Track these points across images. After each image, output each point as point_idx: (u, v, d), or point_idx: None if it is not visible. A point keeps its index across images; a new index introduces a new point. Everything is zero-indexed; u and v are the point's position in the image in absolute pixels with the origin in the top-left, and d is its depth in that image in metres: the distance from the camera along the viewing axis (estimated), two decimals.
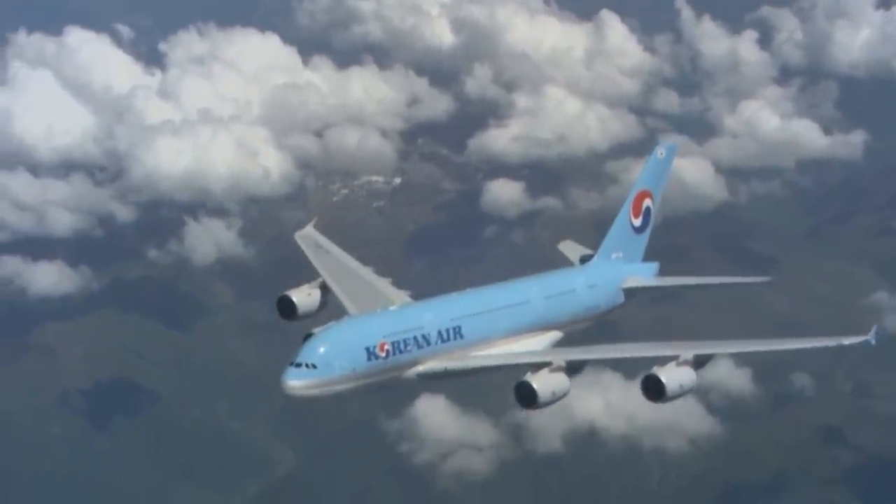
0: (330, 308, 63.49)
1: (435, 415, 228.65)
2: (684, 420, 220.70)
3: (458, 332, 59.23)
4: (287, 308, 65.66)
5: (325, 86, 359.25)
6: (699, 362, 56.98)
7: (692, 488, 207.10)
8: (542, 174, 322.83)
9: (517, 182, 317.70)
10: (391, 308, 60.87)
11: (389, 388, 58.01)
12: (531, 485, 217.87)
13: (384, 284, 67.42)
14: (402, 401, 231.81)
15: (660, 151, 67.59)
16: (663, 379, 55.92)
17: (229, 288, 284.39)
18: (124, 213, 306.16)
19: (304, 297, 65.44)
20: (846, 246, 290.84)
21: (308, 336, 60.52)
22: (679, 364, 56.63)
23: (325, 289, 65.97)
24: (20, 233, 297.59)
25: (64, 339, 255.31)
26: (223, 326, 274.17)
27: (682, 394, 56.60)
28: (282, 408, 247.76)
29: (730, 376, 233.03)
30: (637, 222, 67.82)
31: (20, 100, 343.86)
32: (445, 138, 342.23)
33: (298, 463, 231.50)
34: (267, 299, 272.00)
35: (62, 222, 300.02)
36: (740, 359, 59.48)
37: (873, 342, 55.08)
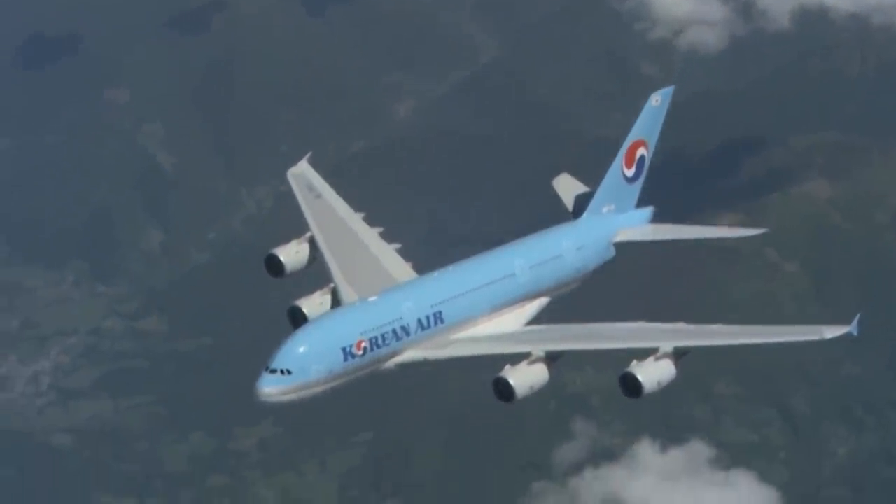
0: (320, 263, 63.41)
1: None
2: None
3: (438, 317, 58.22)
4: (275, 266, 63.90)
5: None
6: (679, 354, 56.48)
7: None
8: None
9: None
10: (369, 299, 58.63)
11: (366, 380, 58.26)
12: (762, 61, 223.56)
13: (373, 236, 65.51)
14: None
15: (654, 99, 65.81)
16: (640, 378, 55.74)
17: None
18: None
19: (292, 255, 64.15)
20: None
21: (292, 310, 60.96)
22: (658, 359, 56.22)
23: (313, 243, 64.26)
24: None
25: None
26: None
27: (659, 390, 56.76)
28: None
29: None
30: (630, 172, 66.46)
31: None
32: None
33: (502, 51, 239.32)
34: None
35: None
36: (722, 350, 58.01)
37: (855, 333, 54.97)
